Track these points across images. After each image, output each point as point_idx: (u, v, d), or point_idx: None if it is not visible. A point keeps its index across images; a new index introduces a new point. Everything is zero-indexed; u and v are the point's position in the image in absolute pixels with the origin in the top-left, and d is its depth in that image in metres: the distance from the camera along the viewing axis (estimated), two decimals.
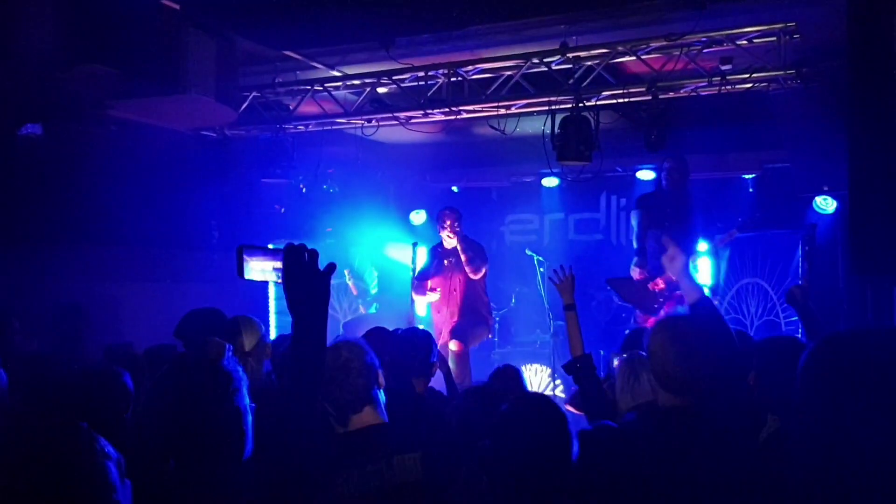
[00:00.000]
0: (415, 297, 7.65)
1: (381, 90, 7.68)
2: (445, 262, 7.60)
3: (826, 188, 8.05)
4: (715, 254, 7.35)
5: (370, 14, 6.15)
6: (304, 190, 9.25)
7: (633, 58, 6.60)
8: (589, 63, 6.75)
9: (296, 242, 2.03)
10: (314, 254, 2.03)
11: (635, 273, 7.26)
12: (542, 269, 8.88)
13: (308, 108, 7.99)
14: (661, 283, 7.19)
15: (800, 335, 5.25)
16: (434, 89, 7.31)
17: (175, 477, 2.12)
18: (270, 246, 2.28)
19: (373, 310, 9.61)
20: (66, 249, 6.69)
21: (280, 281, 2.03)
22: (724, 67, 6.55)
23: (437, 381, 4.63)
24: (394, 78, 7.36)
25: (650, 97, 6.71)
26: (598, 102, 6.95)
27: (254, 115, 8.03)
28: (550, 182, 10.18)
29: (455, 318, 7.50)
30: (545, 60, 6.77)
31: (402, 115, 7.71)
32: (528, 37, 6.70)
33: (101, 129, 7.05)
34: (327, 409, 2.73)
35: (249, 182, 8.54)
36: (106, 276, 7.25)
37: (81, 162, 6.84)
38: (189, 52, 6.36)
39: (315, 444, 2.04)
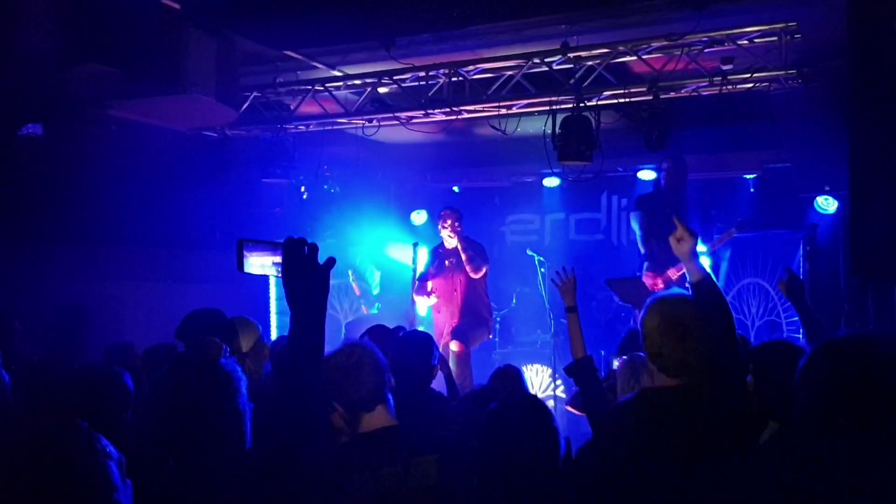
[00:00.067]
0: (415, 298, 7.66)
1: (381, 90, 7.67)
2: (446, 262, 7.60)
3: (827, 188, 8.04)
4: (712, 254, 7.34)
5: (371, 14, 6.15)
6: (305, 196, 9.26)
7: (634, 58, 6.60)
8: (590, 63, 6.74)
9: (295, 237, 2.02)
10: (314, 248, 2.02)
11: (648, 279, 7.21)
12: (542, 270, 8.87)
13: (309, 107, 7.99)
14: (660, 283, 7.18)
15: (801, 336, 5.24)
16: (435, 89, 7.31)
17: (174, 477, 2.12)
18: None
19: (374, 310, 9.61)
20: (66, 249, 6.69)
21: (279, 275, 2.02)
22: (724, 67, 6.55)
23: (438, 382, 4.62)
24: (394, 78, 7.36)
25: (651, 97, 6.71)
26: (599, 102, 6.95)
27: (254, 114, 8.03)
28: (551, 182, 10.17)
29: (456, 319, 7.49)
30: (546, 60, 6.77)
31: (403, 115, 7.70)
32: (529, 36, 6.70)
33: (101, 129, 7.05)
34: (335, 409, 2.72)
35: (250, 182, 8.54)
36: (106, 276, 7.26)
37: (82, 162, 6.84)
38: (189, 51, 6.35)
39: (314, 442, 2.03)
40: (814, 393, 1.73)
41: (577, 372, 3.73)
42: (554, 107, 6.85)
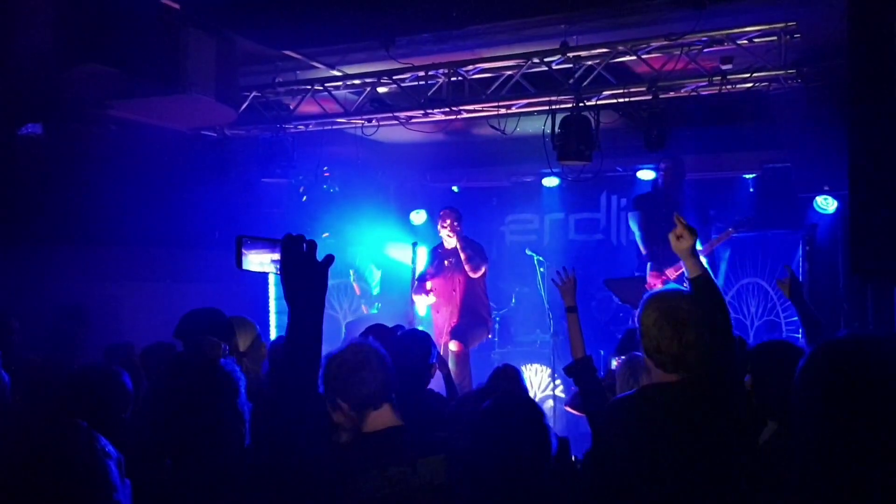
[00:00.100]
0: (414, 297, 7.66)
1: (381, 90, 7.67)
2: (446, 262, 7.60)
3: (826, 188, 8.04)
4: (708, 255, 7.34)
5: (370, 13, 6.15)
6: (304, 198, 9.27)
7: (634, 57, 6.60)
8: (589, 63, 6.74)
9: (294, 233, 2.01)
10: (312, 245, 2.01)
11: (653, 279, 7.20)
12: (542, 269, 8.87)
13: (308, 107, 7.99)
14: (658, 283, 7.19)
15: (800, 336, 5.25)
16: (434, 89, 7.31)
17: (173, 476, 2.12)
18: None
19: (374, 310, 9.61)
20: (65, 249, 6.69)
21: (278, 272, 2.01)
22: (724, 67, 6.55)
23: (438, 383, 4.62)
24: (394, 77, 7.36)
25: (650, 97, 6.71)
26: (599, 102, 6.95)
27: (254, 114, 8.03)
28: (551, 182, 10.17)
29: (455, 319, 7.50)
30: (545, 60, 6.77)
31: (403, 114, 7.70)
32: (529, 36, 6.69)
33: (101, 129, 7.05)
34: (340, 406, 2.71)
35: (249, 182, 8.54)
36: (106, 276, 7.25)
37: (81, 161, 6.84)
38: (189, 51, 6.35)
39: (312, 439, 2.03)
40: (813, 393, 1.73)
41: (577, 372, 3.73)
42: (553, 106, 6.85)
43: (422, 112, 7.53)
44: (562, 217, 10.49)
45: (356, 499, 2.55)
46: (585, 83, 6.77)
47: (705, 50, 6.41)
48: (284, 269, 1.99)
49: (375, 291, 9.89)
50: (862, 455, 1.63)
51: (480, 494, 2.48)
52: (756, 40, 6.28)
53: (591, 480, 2.93)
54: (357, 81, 7.57)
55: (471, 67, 7.14)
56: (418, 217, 10.59)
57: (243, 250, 2.03)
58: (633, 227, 7.59)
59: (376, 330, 4.38)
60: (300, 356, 1.98)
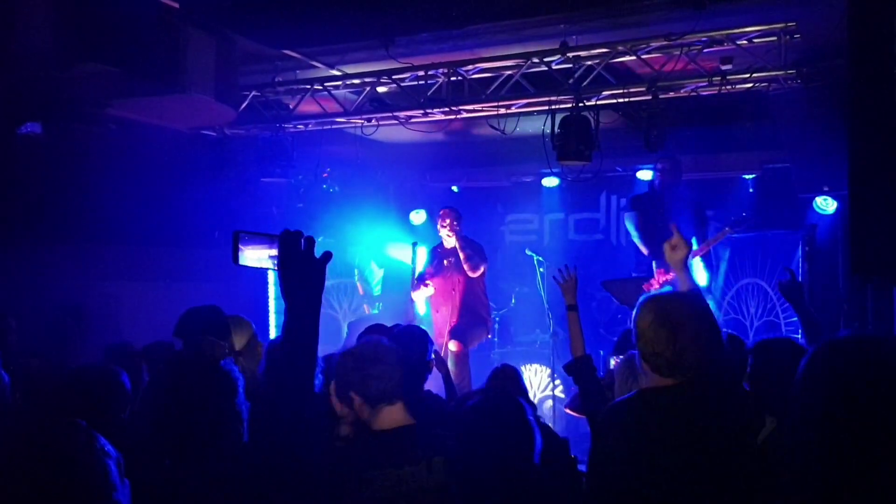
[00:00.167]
0: (413, 294, 7.68)
1: (380, 89, 7.67)
2: (445, 261, 7.61)
3: (826, 188, 8.04)
4: (704, 256, 7.35)
5: (370, 13, 6.15)
6: (301, 198, 9.27)
7: (634, 57, 6.60)
8: (589, 63, 6.74)
9: (292, 229, 2.00)
10: (310, 241, 2.00)
11: (662, 276, 7.20)
12: (541, 269, 8.87)
13: (308, 107, 7.99)
14: (655, 284, 7.20)
15: (800, 336, 5.25)
16: (434, 89, 7.31)
17: (172, 476, 2.12)
18: None
19: (375, 310, 9.62)
20: (65, 248, 6.69)
21: (275, 268, 2.00)
22: (724, 67, 6.55)
23: (437, 383, 4.62)
24: (393, 77, 7.36)
25: (650, 97, 6.71)
26: (598, 102, 6.95)
27: (253, 114, 8.02)
28: (550, 182, 10.17)
29: (454, 319, 7.50)
30: (545, 60, 6.76)
31: (402, 114, 7.71)
32: (528, 36, 6.69)
33: (100, 128, 7.04)
34: (352, 399, 2.71)
35: (249, 181, 8.54)
36: (105, 275, 7.25)
37: (81, 161, 6.83)
38: (189, 51, 6.35)
39: (308, 436, 2.02)
40: (815, 391, 1.73)
41: (576, 370, 3.73)
42: (553, 106, 6.85)
43: (421, 112, 7.53)
44: (561, 217, 10.49)
45: (370, 496, 2.55)
46: (585, 83, 6.77)
47: (705, 50, 6.41)
48: (282, 265, 1.97)
49: (376, 291, 9.89)
50: (862, 454, 1.63)
51: (467, 490, 2.48)
52: (756, 40, 6.28)
53: (590, 484, 2.93)
54: (357, 81, 7.57)
55: (470, 67, 7.14)
56: (418, 217, 10.59)
57: (240, 245, 2.02)
58: (630, 227, 7.60)
59: (376, 330, 4.38)
60: (297, 354, 1.97)
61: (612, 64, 6.77)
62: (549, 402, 8.26)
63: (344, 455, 2.77)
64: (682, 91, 6.77)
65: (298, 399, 1.95)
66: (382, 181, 10.73)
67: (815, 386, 1.74)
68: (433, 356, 4.45)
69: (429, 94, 7.32)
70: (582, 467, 3.78)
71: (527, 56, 6.84)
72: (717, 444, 2.54)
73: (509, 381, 4.29)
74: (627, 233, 9.17)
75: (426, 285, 7.59)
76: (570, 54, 6.67)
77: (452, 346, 7.24)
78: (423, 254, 7.81)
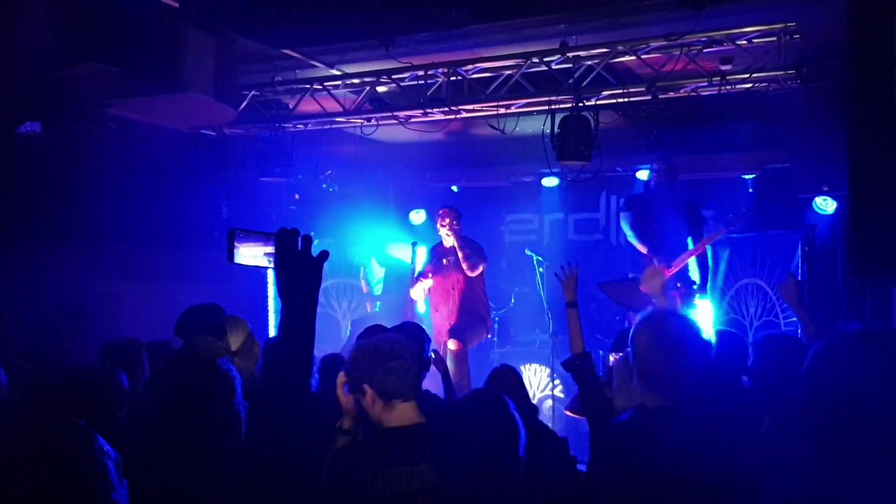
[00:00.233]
0: (411, 292, 7.69)
1: (380, 89, 7.67)
2: (444, 261, 7.61)
3: (826, 189, 8.04)
4: (700, 256, 7.36)
5: (370, 13, 6.15)
6: (297, 196, 9.27)
7: (633, 57, 6.60)
8: (589, 62, 6.74)
9: (288, 227, 2.00)
10: (307, 239, 2.00)
11: (665, 272, 7.20)
12: (541, 269, 8.87)
13: (307, 106, 7.99)
14: (668, 275, 7.19)
15: (799, 335, 5.25)
16: (434, 88, 7.31)
17: (170, 477, 2.12)
18: None
19: (377, 308, 9.64)
20: (64, 248, 6.68)
21: (272, 266, 1.99)
22: (723, 67, 6.55)
23: (436, 383, 4.62)
24: (393, 77, 7.36)
25: (650, 97, 6.71)
26: (598, 102, 6.95)
27: (253, 113, 8.02)
28: (550, 182, 10.17)
29: (454, 318, 7.51)
30: (545, 60, 6.77)
31: (402, 114, 7.70)
32: (528, 36, 6.69)
33: (100, 128, 7.04)
34: (364, 392, 2.70)
35: (248, 181, 8.54)
36: (104, 275, 7.25)
37: (80, 160, 6.83)
38: (188, 50, 6.35)
39: (304, 433, 2.02)
40: (823, 384, 1.73)
41: (575, 367, 3.73)
42: (553, 106, 6.86)
43: (421, 111, 7.53)
44: (561, 217, 10.49)
45: (382, 493, 2.55)
46: (585, 83, 6.77)
47: (705, 50, 6.41)
48: (278, 263, 1.97)
49: (377, 291, 9.90)
50: (872, 445, 1.63)
51: (454, 485, 2.48)
52: (755, 41, 6.29)
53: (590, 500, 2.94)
54: (356, 81, 7.57)
55: (470, 67, 7.14)
56: (418, 217, 10.60)
57: (235, 243, 2.00)
58: (625, 227, 7.60)
59: (379, 330, 4.37)
60: (293, 352, 1.97)
61: (612, 64, 6.77)
62: (549, 402, 8.26)
63: (355, 451, 2.78)
64: (681, 91, 6.77)
65: (295, 397, 1.95)
66: (382, 181, 10.74)
67: (824, 377, 1.74)
68: (432, 355, 4.45)
69: (428, 93, 7.32)
70: (581, 467, 3.79)
71: (527, 56, 6.84)
72: (711, 466, 2.54)
73: (509, 381, 4.28)
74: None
75: (426, 277, 7.60)
76: (570, 54, 6.67)
77: (452, 344, 7.24)
78: (422, 253, 7.82)
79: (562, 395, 8.08)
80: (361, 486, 2.55)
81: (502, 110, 7.28)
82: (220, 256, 2.05)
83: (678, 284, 7.22)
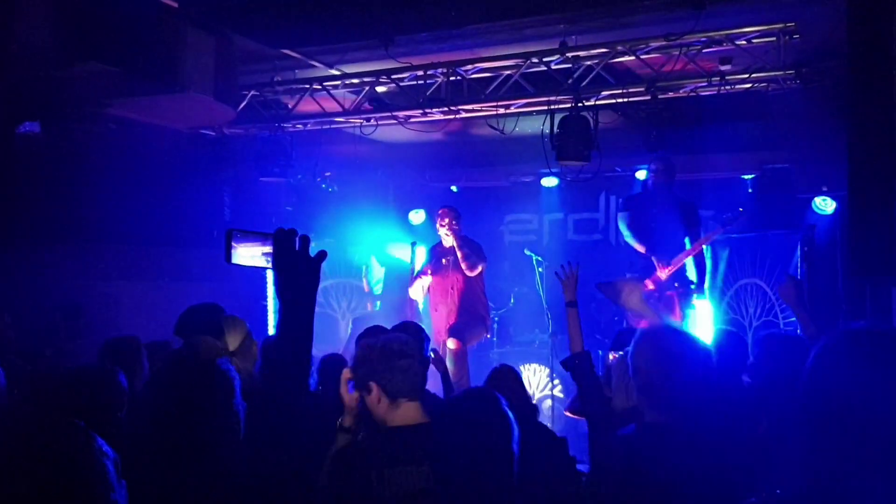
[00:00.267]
0: (410, 291, 7.70)
1: (379, 89, 7.67)
2: (443, 260, 7.61)
3: (825, 189, 8.05)
4: (696, 256, 7.36)
5: (369, 12, 6.14)
6: (289, 205, 9.31)
7: (633, 57, 6.60)
8: (588, 63, 6.74)
9: (285, 227, 2.00)
10: (305, 239, 2.00)
11: (664, 270, 7.21)
12: (540, 269, 8.87)
13: (307, 106, 7.99)
14: (649, 284, 7.21)
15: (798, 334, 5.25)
16: (433, 88, 7.31)
17: (168, 476, 2.12)
18: None
19: (378, 306, 9.65)
20: (64, 248, 6.68)
21: (270, 265, 1.99)
22: (723, 67, 6.56)
23: (436, 383, 4.62)
24: (393, 77, 7.36)
25: (649, 97, 6.71)
26: (598, 102, 6.95)
27: (252, 113, 8.02)
28: (550, 182, 10.17)
29: (453, 317, 7.51)
30: (544, 60, 6.77)
31: (401, 114, 7.70)
32: (528, 36, 6.69)
33: (99, 128, 7.04)
34: (370, 389, 2.70)
35: (248, 181, 8.54)
36: (103, 275, 7.25)
37: (80, 160, 6.83)
38: (188, 50, 6.34)
39: (302, 432, 2.02)
40: (827, 381, 1.73)
41: (574, 366, 3.73)
42: (552, 106, 6.86)
43: (420, 111, 7.52)
44: (561, 217, 10.49)
45: (387, 492, 2.55)
46: (584, 83, 6.78)
47: (704, 50, 6.41)
48: (276, 264, 1.97)
49: (377, 291, 9.89)
50: (876, 443, 1.64)
51: (448, 482, 2.49)
52: (755, 41, 6.29)
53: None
54: (356, 80, 7.57)
55: (470, 67, 7.14)
56: (417, 217, 10.60)
57: (233, 243, 2.00)
58: (623, 227, 7.61)
59: (380, 331, 4.37)
60: (291, 352, 1.97)
61: (612, 64, 6.77)
62: (549, 402, 8.26)
63: (359, 450, 2.78)
64: (681, 91, 6.77)
65: (294, 396, 1.95)
66: (381, 181, 10.74)
67: (827, 375, 1.73)
68: (431, 354, 4.45)
69: (428, 93, 7.32)
70: (581, 467, 3.79)
71: (526, 56, 6.84)
72: (709, 487, 2.54)
73: (509, 381, 4.28)
74: None
75: (425, 274, 7.61)
76: (570, 54, 6.67)
77: (451, 343, 7.24)
78: (421, 253, 7.83)
79: (561, 395, 8.08)
80: (366, 485, 2.55)
81: (502, 110, 7.28)
82: (219, 256, 2.05)
83: (675, 284, 7.24)
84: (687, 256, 7.26)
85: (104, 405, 3.01)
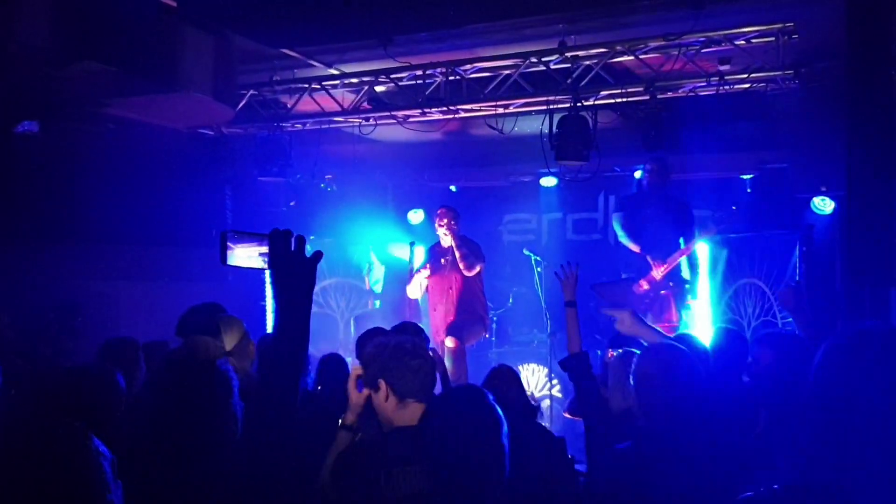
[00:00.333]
0: (408, 289, 7.70)
1: (378, 89, 7.67)
2: (442, 260, 7.61)
3: (824, 189, 8.05)
4: (691, 256, 7.39)
5: (368, 12, 6.14)
6: (284, 206, 9.30)
7: (632, 57, 6.60)
8: (587, 62, 6.75)
9: (281, 228, 2.00)
10: (301, 240, 2.00)
11: (658, 269, 7.23)
12: (539, 269, 8.87)
13: (306, 106, 7.99)
14: (644, 285, 7.23)
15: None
16: (432, 88, 7.31)
17: (166, 476, 2.12)
18: None
19: (377, 305, 9.65)
20: (62, 247, 6.68)
21: (266, 266, 1.99)
22: (722, 67, 6.56)
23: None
24: (392, 76, 7.36)
25: (648, 97, 6.72)
26: (597, 102, 6.95)
27: (251, 113, 8.02)
28: (548, 182, 10.17)
29: (451, 317, 7.51)
30: (543, 60, 6.77)
31: (400, 113, 7.70)
32: (527, 36, 6.70)
33: (98, 127, 7.04)
34: (378, 387, 2.71)
35: (246, 180, 8.53)
36: (103, 275, 7.24)
37: (78, 160, 6.83)
38: (187, 49, 6.35)
39: (301, 434, 2.02)
40: (837, 378, 1.73)
41: (572, 366, 3.74)
42: (551, 106, 6.86)
43: (419, 111, 7.52)
44: (559, 217, 10.49)
45: (398, 492, 2.55)
46: (583, 83, 6.78)
47: (703, 50, 6.41)
48: (272, 264, 1.97)
49: (377, 290, 9.89)
50: (886, 438, 1.64)
51: (440, 486, 2.49)
52: (754, 41, 6.29)
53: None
54: (355, 80, 7.57)
55: (469, 67, 7.14)
56: (416, 216, 10.59)
57: (229, 244, 1.99)
58: (617, 227, 7.63)
59: (381, 332, 4.36)
60: (287, 352, 1.97)
61: (611, 64, 6.77)
62: (547, 402, 8.26)
63: (366, 449, 2.78)
64: (680, 91, 6.77)
65: (289, 396, 1.95)
66: (380, 180, 10.73)
67: (837, 373, 1.74)
68: (430, 353, 4.44)
69: (427, 93, 7.32)
70: (579, 467, 3.79)
71: (525, 56, 6.85)
72: (708, 490, 2.54)
73: (508, 381, 4.28)
74: None
75: (424, 268, 7.61)
76: (569, 54, 6.68)
77: (449, 342, 7.24)
78: (420, 253, 7.82)
79: (559, 395, 8.08)
80: (375, 484, 2.55)
81: (500, 110, 7.28)
82: (217, 256, 2.04)
83: (670, 283, 7.26)
84: (681, 255, 7.28)
85: (102, 405, 3.00)
